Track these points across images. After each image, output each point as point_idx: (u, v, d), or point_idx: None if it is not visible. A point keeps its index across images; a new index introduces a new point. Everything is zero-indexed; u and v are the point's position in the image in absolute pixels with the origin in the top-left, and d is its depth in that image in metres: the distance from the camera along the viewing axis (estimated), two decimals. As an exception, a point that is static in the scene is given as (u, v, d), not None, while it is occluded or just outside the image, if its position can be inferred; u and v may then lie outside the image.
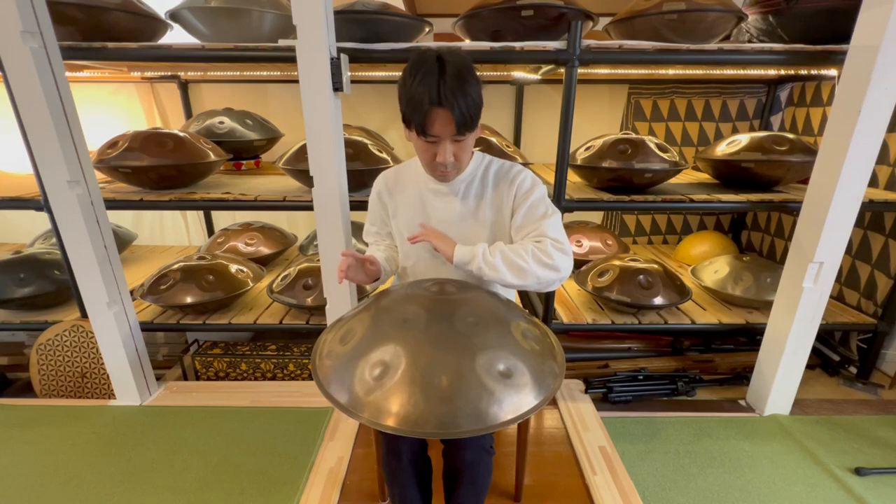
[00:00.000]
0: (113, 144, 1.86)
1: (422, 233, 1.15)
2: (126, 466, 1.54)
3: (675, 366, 2.16)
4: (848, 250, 1.86)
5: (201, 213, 2.97)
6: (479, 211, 1.18)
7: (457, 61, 0.99)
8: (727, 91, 2.68)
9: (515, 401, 0.83)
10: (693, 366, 2.16)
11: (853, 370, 2.12)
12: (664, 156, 1.90)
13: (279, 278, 2.15)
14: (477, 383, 0.83)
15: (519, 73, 2.40)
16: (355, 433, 1.69)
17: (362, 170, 1.82)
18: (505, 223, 1.19)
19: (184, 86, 2.66)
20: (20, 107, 1.44)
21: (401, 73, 1.02)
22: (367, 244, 1.37)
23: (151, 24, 1.77)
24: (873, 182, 2.00)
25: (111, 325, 1.72)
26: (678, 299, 2.00)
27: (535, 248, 1.07)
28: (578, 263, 2.36)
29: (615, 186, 1.96)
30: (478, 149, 1.34)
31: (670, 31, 1.68)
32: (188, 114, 2.70)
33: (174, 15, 1.73)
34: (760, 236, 2.82)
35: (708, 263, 2.27)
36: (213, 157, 1.95)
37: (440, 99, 0.96)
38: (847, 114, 1.40)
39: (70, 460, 1.56)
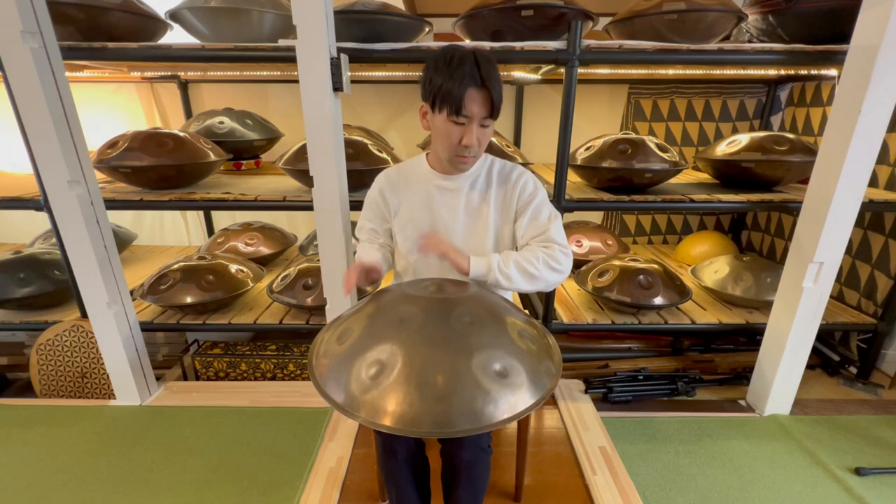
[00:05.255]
0: (113, 144, 1.86)
1: (432, 243, 1.15)
2: (126, 466, 1.54)
3: (675, 366, 2.16)
4: (848, 250, 1.86)
5: (201, 213, 2.98)
6: (483, 208, 1.21)
7: (487, 54, 1.05)
8: (727, 91, 2.68)
9: (511, 400, 0.83)
10: (693, 366, 2.16)
11: (853, 370, 2.12)
12: (664, 156, 1.90)
13: (279, 278, 2.15)
14: (473, 383, 0.83)
15: (519, 73, 2.40)
16: (355, 433, 1.69)
17: (362, 170, 1.82)
18: (509, 225, 1.22)
19: (184, 86, 2.66)
20: (20, 107, 1.44)
21: (427, 66, 1.06)
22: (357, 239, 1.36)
23: (151, 24, 1.77)
24: (873, 182, 2.00)
25: (111, 325, 1.72)
26: (678, 299, 2.00)
27: (546, 255, 1.13)
28: (578, 263, 2.36)
29: (615, 186, 1.96)
30: None
31: (670, 31, 1.68)
32: (188, 114, 2.70)
33: (174, 15, 1.74)
34: (760, 236, 2.81)
35: (708, 263, 2.27)
36: (213, 157, 1.95)
37: (482, 80, 1.01)
38: (847, 114, 1.40)
39: (70, 460, 1.56)
